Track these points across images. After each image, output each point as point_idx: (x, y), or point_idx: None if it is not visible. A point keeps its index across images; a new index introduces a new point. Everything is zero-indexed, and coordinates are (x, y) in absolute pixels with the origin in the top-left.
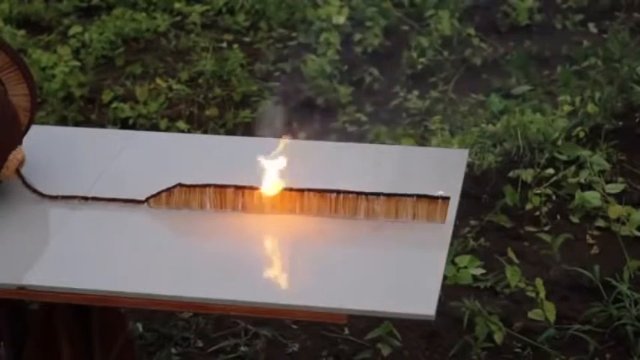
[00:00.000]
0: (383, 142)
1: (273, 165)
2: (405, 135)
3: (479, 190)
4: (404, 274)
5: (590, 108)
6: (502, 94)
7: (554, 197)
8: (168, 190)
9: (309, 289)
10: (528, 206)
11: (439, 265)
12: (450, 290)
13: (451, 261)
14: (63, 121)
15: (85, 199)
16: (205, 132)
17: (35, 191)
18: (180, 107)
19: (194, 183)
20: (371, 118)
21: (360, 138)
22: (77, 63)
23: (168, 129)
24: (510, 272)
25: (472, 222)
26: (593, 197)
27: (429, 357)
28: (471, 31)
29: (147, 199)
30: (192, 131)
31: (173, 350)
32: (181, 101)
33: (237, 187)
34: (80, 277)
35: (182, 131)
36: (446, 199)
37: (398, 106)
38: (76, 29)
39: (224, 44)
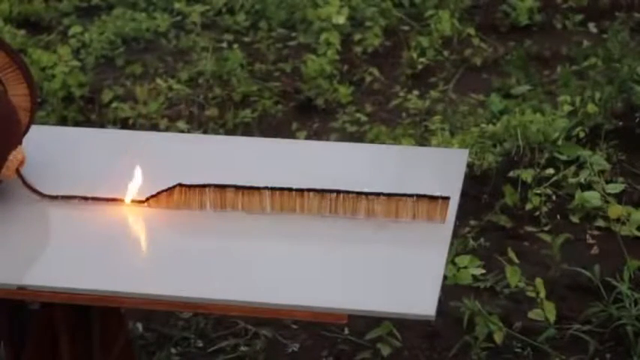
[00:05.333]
0: (383, 142)
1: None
2: (405, 135)
3: (479, 190)
4: (404, 274)
5: (590, 108)
6: (502, 94)
7: (554, 197)
8: (168, 190)
9: (309, 289)
10: (528, 206)
11: (439, 265)
12: (450, 290)
13: (451, 261)
14: (63, 121)
15: (85, 199)
16: (205, 132)
17: (35, 191)
18: (180, 107)
19: (194, 183)
20: (371, 118)
21: (360, 138)
22: (77, 63)
23: (168, 129)
24: (510, 272)
25: (472, 222)
26: (593, 197)
27: (429, 357)
28: (471, 31)
29: (147, 199)
30: (192, 131)
31: (173, 350)
32: (181, 101)
33: (237, 187)
34: (80, 277)
35: (182, 131)
36: (446, 199)
37: (398, 106)
38: (76, 29)
39: (224, 44)
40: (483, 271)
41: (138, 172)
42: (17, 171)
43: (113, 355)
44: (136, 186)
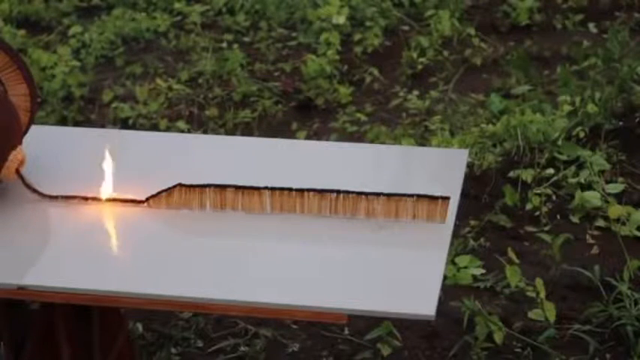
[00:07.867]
0: (383, 142)
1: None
2: (405, 135)
3: (479, 190)
4: (404, 274)
5: (590, 108)
6: (502, 94)
7: (554, 197)
8: (168, 190)
9: (309, 289)
10: (528, 206)
11: (439, 265)
12: (450, 290)
13: (451, 261)
14: (63, 121)
15: (85, 199)
16: (205, 132)
17: (35, 191)
18: (180, 107)
19: (194, 183)
20: (371, 118)
21: (360, 138)
22: (77, 63)
23: (168, 129)
24: (510, 272)
25: (472, 222)
26: (593, 197)
27: (429, 357)
28: (471, 31)
29: (147, 199)
30: (192, 131)
31: (173, 350)
32: (181, 101)
33: (237, 187)
34: (80, 277)
35: (182, 131)
36: (446, 199)
37: (398, 106)
38: (76, 29)
39: (224, 44)
40: (483, 271)
41: (108, 168)
42: (17, 171)
43: (113, 355)
44: (109, 181)
